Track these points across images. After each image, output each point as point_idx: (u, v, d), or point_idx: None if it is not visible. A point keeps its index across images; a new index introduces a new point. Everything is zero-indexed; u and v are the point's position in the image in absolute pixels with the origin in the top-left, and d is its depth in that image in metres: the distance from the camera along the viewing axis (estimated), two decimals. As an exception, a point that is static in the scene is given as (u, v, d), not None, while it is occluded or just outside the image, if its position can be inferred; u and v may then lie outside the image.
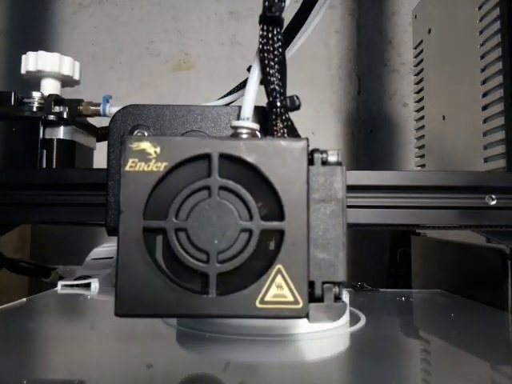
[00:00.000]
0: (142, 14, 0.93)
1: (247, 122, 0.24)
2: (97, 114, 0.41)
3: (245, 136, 0.24)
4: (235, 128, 0.24)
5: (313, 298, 0.20)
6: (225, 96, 0.39)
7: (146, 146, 0.21)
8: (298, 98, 0.25)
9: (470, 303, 0.47)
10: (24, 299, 0.45)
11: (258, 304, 0.20)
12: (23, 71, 0.41)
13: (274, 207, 0.21)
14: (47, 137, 0.38)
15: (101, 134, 0.45)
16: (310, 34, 0.34)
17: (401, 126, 0.92)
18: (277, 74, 0.24)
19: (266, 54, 0.24)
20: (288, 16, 0.35)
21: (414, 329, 0.42)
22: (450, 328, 0.39)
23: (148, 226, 0.20)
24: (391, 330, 0.39)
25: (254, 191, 0.21)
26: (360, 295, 0.50)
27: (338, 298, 0.21)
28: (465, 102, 0.52)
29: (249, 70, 0.41)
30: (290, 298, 0.20)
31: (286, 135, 0.24)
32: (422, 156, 0.65)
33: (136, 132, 0.27)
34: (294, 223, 0.20)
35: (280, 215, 0.21)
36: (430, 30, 0.62)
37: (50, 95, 0.39)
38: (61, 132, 0.39)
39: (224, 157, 0.21)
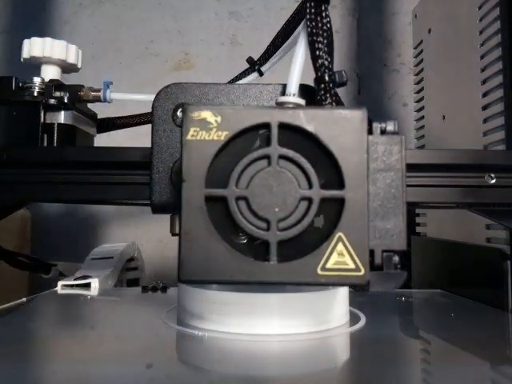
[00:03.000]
0: (142, 14, 0.93)
1: (293, 97, 0.24)
2: (97, 99, 0.41)
3: None
4: (281, 104, 0.24)
5: (372, 266, 0.21)
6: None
7: (207, 115, 0.21)
8: (345, 72, 0.24)
9: (470, 303, 0.47)
10: (24, 299, 0.45)
11: (319, 271, 0.20)
12: (24, 57, 0.41)
13: (333, 176, 0.21)
14: (48, 121, 0.38)
15: (101, 125, 0.45)
16: None
17: (401, 126, 0.92)
18: (325, 49, 0.24)
19: (314, 30, 0.24)
20: (284, 17, 0.35)
21: (414, 329, 0.42)
22: (450, 328, 0.39)
23: (210, 195, 0.21)
24: (391, 330, 0.39)
25: (312, 161, 0.21)
26: (360, 295, 0.50)
27: (397, 267, 0.21)
28: (465, 102, 0.52)
29: (248, 60, 0.41)
30: (352, 266, 0.20)
31: None
32: (422, 156, 0.65)
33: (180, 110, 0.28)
34: (355, 192, 0.21)
35: (340, 184, 0.21)
36: (430, 30, 0.62)
37: (51, 80, 0.39)
38: (61, 117, 0.39)
39: (283, 126, 0.21)
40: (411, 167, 0.32)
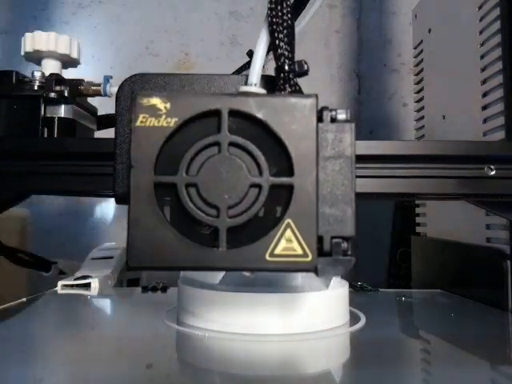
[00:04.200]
0: (142, 14, 0.93)
1: (255, 87, 0.24)
2: (97, 93, 0.41)
3: None
4: (242, 94, 0.24)
5: (321, 252, 0.21)
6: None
7: (156, 101, 0.21)
8: (306, 62, 0.25)
9: (470, 303, 0.47)
10: (24, 299, 0.45)
11: (267, 257, 0.21)
12: (26, 51, 0.41)
13: (284, 164, 0.21)
14: (48, 115, 0.38)
15: (101, 121, 0.45)
16: (309, 18, 0.33)
17: (401, 126, 0.92)
18: (285, 39, 0.24)
19: (274, 19, 0.24)
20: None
21: (414, 329, 0.42)
22: (450, 328, 0.39)
23: (159, 181, 0.21)
24: (391, 330, 0.39)
25: (264, 149, 0.21)
26: (360, 295, 0.50)
27: (346, 253, 0.21)
28: (465, 102, 0.52)
29: (248, 53, 0.41)
30: (300, 252, 0.21)
31: None
32: (422, 156, 0.65)
33: None
34: (304, 179, 0.21)
35: (289, 171, 0.21)
36: (429, 30, 0.62)
37: (51, 74, 0.39)
38: (62, 110, 0.39)
39: (234, 113, 0.21)
40: (412, 158, 0.32)
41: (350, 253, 0.21)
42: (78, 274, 0.53)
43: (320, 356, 0.32)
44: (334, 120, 0.21)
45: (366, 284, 0.53)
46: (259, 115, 0.21)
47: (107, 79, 0.41)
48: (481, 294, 0.47)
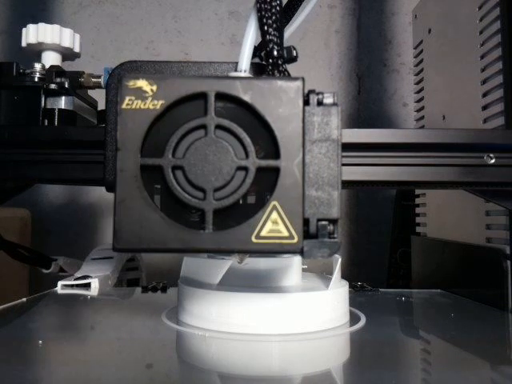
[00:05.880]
0: (142, 14, 0.93)
1: (244, 73, 0.24)
2: (98, 85, 0.41)
3: None
4: (229, 77, 0.24)
5: (307, 234, 0.21)
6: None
7: (142, 83, 0.21)
8: (294, 48, 0.25)
9: (470, 303, 0.47)
10: (24, 299, 0.45)
11: (253, 239, 0.21)
12: (24, 44, 0.41)
13: (271, 148, 0.21)
14: (48, 107, 0.38)
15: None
16: (308, 12, 0.33)
17: (401, 126, 0.92)
18: (274, 25, 0.24)
19: (262, 5, 0.24)
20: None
21: (414, 329, 0.42)
22: (450, 328, 0.39)
23: (145, 163, 0.21)
24: (391, 330, 0.39)
25: (251, 132, 0.21)
26: (360, 295, 0.50)
27: (331, 236, 0.21)
28: (465, 101, 0.52)
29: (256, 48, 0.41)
30: (285, 234, 0.21)
31: None
32: (422, 156, 0.65)
33: None
34: (290, 161, 0.21)
35: (276, 154, 0.21)
36: (430, 30, 0.62)
37: (52, 66, 0.39)
38: (62, 102, 0.39)
39: (220, 96, 0.21)
40: (412, 147, 0.32)
41: (335, 235, 0.21)
42: (78, 274, 0.53)
43: (320, 356, 0.32)
44: (320, 103, 0.22)
45: (366, 284, 0.53)
46: (246, 98, 0.21)
47: (107, 71, 0.41)
48: (481, 294, 0.47)
